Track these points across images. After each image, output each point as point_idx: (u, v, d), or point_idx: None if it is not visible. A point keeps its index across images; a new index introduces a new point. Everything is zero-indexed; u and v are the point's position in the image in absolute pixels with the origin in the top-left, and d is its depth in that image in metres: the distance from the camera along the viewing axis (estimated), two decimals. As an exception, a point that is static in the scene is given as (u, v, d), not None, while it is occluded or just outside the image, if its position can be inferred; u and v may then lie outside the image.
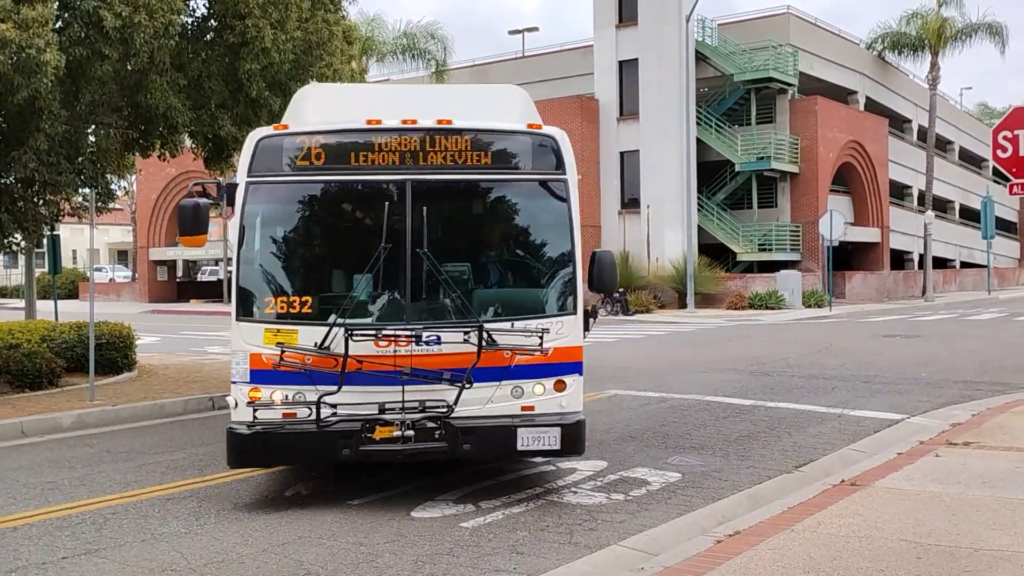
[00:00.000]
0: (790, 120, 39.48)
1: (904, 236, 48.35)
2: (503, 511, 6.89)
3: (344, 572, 5.62)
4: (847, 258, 44.14)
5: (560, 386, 7.19)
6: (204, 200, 7.47)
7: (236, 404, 7.05)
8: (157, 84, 13.29)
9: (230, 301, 7.39)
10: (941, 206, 53.65)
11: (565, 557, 5.81)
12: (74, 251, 60.84)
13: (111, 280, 56.75)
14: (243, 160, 7.34)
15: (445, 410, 6.87)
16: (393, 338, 6.88)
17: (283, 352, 6.86)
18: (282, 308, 7.15)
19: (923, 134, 49.57)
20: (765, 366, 16.10)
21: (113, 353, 14.72)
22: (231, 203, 7.35)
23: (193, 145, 15.74)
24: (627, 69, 38.25)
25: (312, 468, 8.11)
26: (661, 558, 5.58)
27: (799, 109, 39.62)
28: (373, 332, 6.88)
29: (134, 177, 44.84)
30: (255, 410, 6.87)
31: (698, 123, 37.96)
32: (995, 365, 15.79)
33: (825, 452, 8.85)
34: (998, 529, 5.95)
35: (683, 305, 33.79)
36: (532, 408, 7.10)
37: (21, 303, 30.43)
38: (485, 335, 6.87)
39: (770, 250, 38.24)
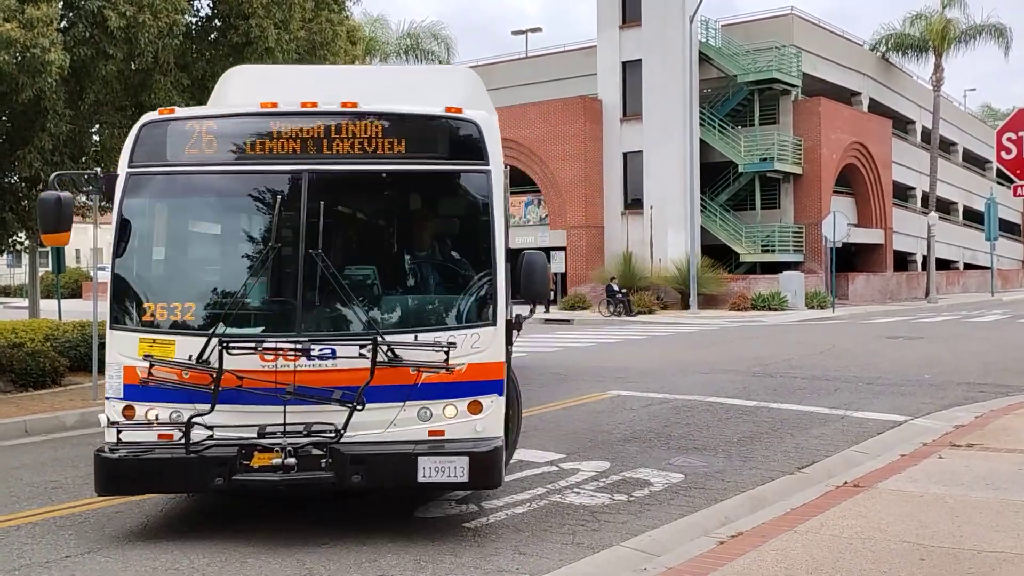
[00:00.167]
0: (793, 121, 39.47)
1: (907, 238, 48.31)
2: (506, 511, 6.88)
3: (347, 572, 5.62)
4: (850, 259, 44.12)
5: (475, 408, 6.27)
6: (67, 194, 6.68)
7: (108, 423, 6.24)
8: (161, 84, 13.32)
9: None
10: (945, 208, 53.58)
11: (568, 557, 5.81)
12: (77, 250, 60.92)
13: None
14: (124, 148, 6.58)
15: (333, 435, 6.01)
16: (276, 351, 6.04)
17: (151, 366, 6.05)
18: (161, 315, 6.36)
19: (927, 135, 49.54)
20: (768, 367, 16.10)
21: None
22: (110, 197, 6.61)
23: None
24: (631, 70, 38.26)
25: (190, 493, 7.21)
26: (664, 559, 5.58)
27: (802, 110, 39.61)
28: (252, 344, 6.03)
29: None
30: (119, 432, 6.12)
31: (701, 124, 37.95)
32: (998, 367, 15.77)
33: (828, 453, 8.84)
34: (1001, 531, 5.94)
35: (686, 306, 33.79)
36: (441, 433, 6.21)
37: (25, 302, 30.48)
38: (385, 349, 6.04)
39: (773, 251, 38.22)
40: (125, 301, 6.44)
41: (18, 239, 16.08)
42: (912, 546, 5.66)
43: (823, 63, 42.02)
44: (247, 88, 7.49)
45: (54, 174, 7.11)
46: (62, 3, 12.65)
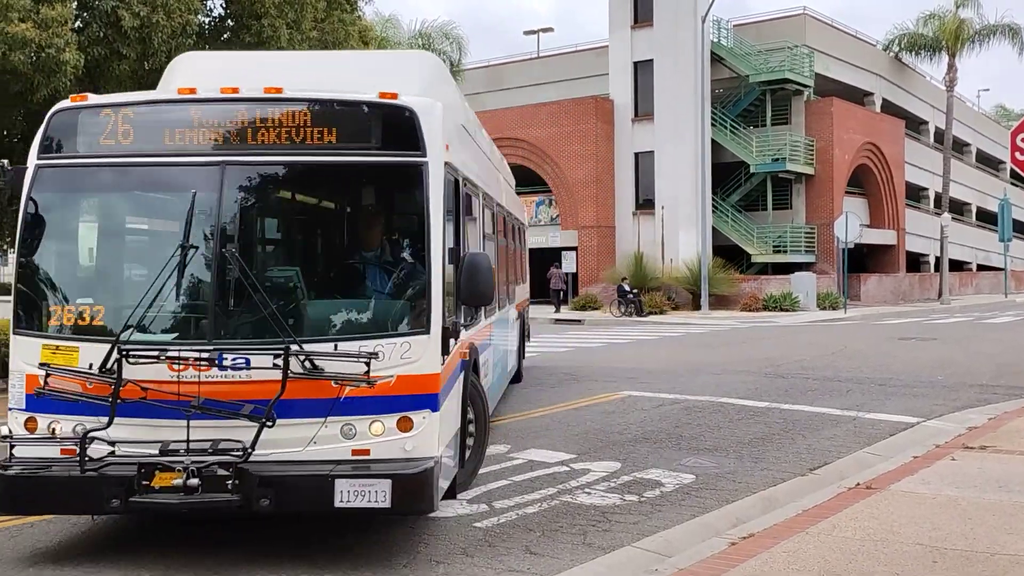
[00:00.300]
0: (805, 121, 39.39)
1: (920, 238, 48.12)
2: (517, 511, 6.89)
3: (357, 571, 5.63)
4: (862, 260, 43.98)
5: (405, 425, 5.67)
6: None
7: (2, 436, 5.74)
8: (174, 84, 13.37)
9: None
10: (958, 208, 53.36)
11: (579, 558, 5.81)
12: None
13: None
14: (36, 139, 6.11)
15: (240, 453, 5.44)
16: (183, 360, 5.53)
17: (48, 375, 5.59)
18: (66, 319, 5.84)
19: (940, 136, 49.35)
20: (779, 368, 16.06)
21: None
22: (17, 191, 6.13)
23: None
24: (642, 70, 38.23)
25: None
26: (675, 560, 5.57)
27: (815, 110, 39.51)
28: (155, 353, 5.52)
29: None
30: (12, 446, 5.62)
31: (713, 124, 37.89)
32: (1012, 369, 15.69)
33: (840, 455, 8.82)
34: (1015, 534, 5.91)
35: (697, 306, 33.74)
36: (367, 452, 5.63)
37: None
38: (302, 360, 5.53)
39: (785, 252, 38.13)
40: (28, 304, 5.95)
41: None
42: (925, 548, 5.64)
43: (836, 63, 41.89)
44: (195, 76, 6.87)
45: None
46: (76, 3, 12.73)
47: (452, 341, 6.06)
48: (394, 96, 5.88)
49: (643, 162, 38.24)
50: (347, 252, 6.39)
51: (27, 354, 5.80)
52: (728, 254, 37.33)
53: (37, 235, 6.00)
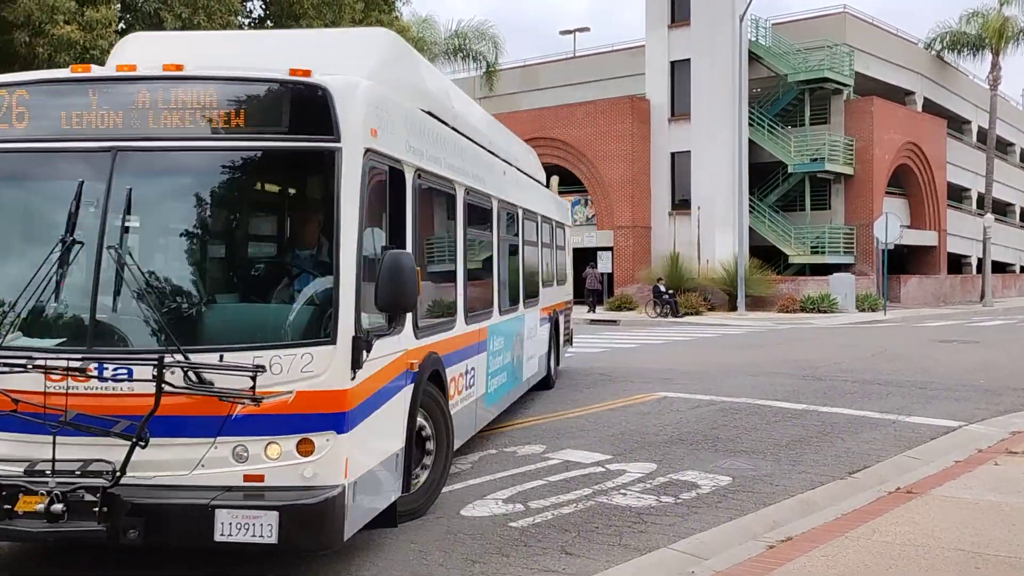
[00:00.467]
0: (845, 121, 38.96)
1: (962, 240, 47.41)
2: (552, 512, 6.89)
3: (394, 569, 5.67)
4: (902, 262, 43.42)
5: (306, 448, 4.99)
6: None
7: None
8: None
9: None
10: (1001, 209, 52.50)
11: (615, 559, 5.80)
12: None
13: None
14: None
15: (110, 476, 4.79)
16: (52, 369, 4.89)
17: None
18: None
19: (983, 135, 48.59)
20: (817, 370, 15.90)
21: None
22: None
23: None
24: (679, 70, 38.07)
25: None
26: (711, 562, 5.54)
27: (854, 110, 39.07)
28: (22, 361, 4.88)
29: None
30: None
31: (750, 124, 37.64)
32: (1056, 373, 15.41)
33: (879, 459, 8.71)
34: (1060, 541, 5.81)
35: (733, 307, 33.51)
36: (260, 478, 4.97)
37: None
38: (186, 372, 4.90)
39: (823, 253, 37.74)
40: None
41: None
42: (966, 554, 5.56)
43: (876, 62, 41.40)
44: (137, 55, 6.28)
45: None
46: (120, 5, 12.93)
47: (364, 353, 5.21)
48: (306, 73, 5.22)
49: (679, 162, 38.06)
50: (248, 250, 5.74)
51: None
52: (765, 255, 37.04)
53: None
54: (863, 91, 40.40)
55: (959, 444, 9.26)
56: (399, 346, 6.01)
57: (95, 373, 4.94)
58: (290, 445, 4.99)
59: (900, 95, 43.76)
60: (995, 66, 45.67)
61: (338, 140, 5.16)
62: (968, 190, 50.30)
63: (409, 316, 6.15)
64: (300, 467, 4.98)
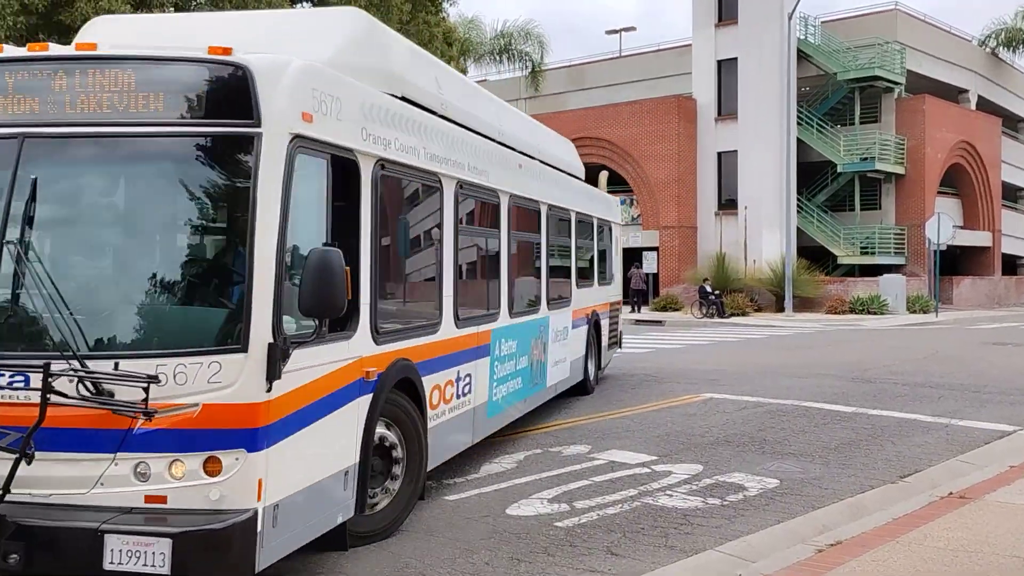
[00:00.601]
0: (896, 120, 38.39)
1: (1017, 240, 46.44)
2: (597, 512, 6.88)
3: (441, 567, 5.70)
4: (954, 263, 42.63)
5: (213, 467, 4.51)
6: None
7: None
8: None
9: None
10: (1058, 209, 51.25)
11: (660, 560, 5.78)
12: None
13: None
14: None
15: None
16: None
17: None
18: None
19: (1039, 134, 47.47)
20: (867, 372, 15.67)
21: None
22: None
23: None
24: (726, 69, 37.78)
25: None
26: (759, 565, 5.50)
27: (906, 108, 38.47)
28: None
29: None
30: None
31: (799, 123, 37.21)
32: (1116, 377, 15.02)
33: (931, 463, 8.57)
34: (1119, 549, 5.67)
35: (780, 308, 33.15)
36: (163, 499, 4.50)
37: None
38: (78, 381, 4.46)
39: (873, 253, 37.20)
40: None
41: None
42: (1021, 561, 5.45)
43: (928, 60, 40.70)
44: (100, 38, 5.90)
45: None
46: (173, 8, 13.15)
47: (281, 363, 4.67)
48: (226, 51, 4.78)
49: (726, 162, 37.76)
50: (159, 247, 5.14)
51: None
52: (813, 255, 36.60)
53: None
54: (915, 89, 39.75)
55: (1015, 449, 9.07)
56: (348, 353, 5.51)
57: None
58: (195, 464, 4.51)
59: (953, 93, 42.97)
60: (1052, 63, 44.68)
61: (258, 124, 4.72)
62: (1023, 189, 49.21)
63: (365, 320, 5.71)
64: (206, 488, 4.49)
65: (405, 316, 6.77)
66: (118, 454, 4.52)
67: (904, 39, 38.79)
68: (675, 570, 5.56)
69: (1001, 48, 46.00)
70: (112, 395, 4.48)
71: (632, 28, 54.81)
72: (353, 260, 5.52)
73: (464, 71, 26.67)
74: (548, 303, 10.47)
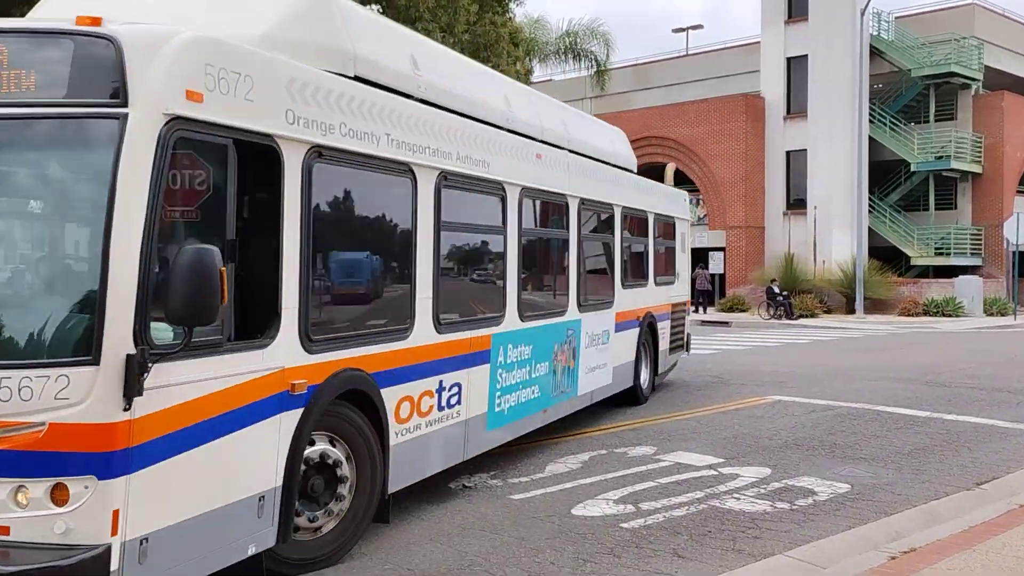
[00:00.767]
0: (973, 117, 37.36)
1: (1101, 241, 44.71)
2: (664, 514, 6.83)
3: (507, 565, 5.72)
4: (1034, 264, 41.26)
5: (60, 495, 3.99)
6: None
7: None
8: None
9: None
10: None
11: (728, 564, 5.72)
12: None
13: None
14: None
15: None
16: None
17: None
18: None
19: (1125, 131, 45.68)
20: (941, 376, 15.28)
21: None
22: None
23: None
24: (795, 66, 37.20)
25: None
26: (830, 571, 5.41)
27: (983, 105, 37.41)
28: None
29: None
30: None
31: (871, 121, 36.45)
32: None
33: (1010, 470, 8.32)
34: None
35: (851, 310, 32.50)
36: (5, 531, 4.00)
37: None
38: None
39: (948, 254, 36.25)
40: None
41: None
42: (1107, 573, 5.26)
43: (1007, 55, 39.52)
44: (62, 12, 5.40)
45: None
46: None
47: (142, 376, 4.07)
48: (95, 22, 4.22)
49: (795, 161, 37.17)
50: (10, 246, 4.62)
51: None
52: (885, 256, 35.80)
53: None
54: (993, 86, 38.64)
55: (1098, 457, 8.76)
56: (264, 364, 4.91)
57: None
58: (40, 491, 3.97)
59: (1034, 89, 41.67)
60: None
61: (124, 104, 4.13)
62: (1108, 188, 47.49)
63: (291, 327, 5.11)
64: (51, 520, 3.96)
65: (357, 321, 6.09)
66: None
67: (982, 34, 37.73)
68: (743, 574, 5.50)
69: (1085, 42, 44.46)
70: None
71: (699, 26, 54.19)
72: (272, 259, 4.99)
73: (530, 71, 26.71)
74: (580, 305, 9.63)
